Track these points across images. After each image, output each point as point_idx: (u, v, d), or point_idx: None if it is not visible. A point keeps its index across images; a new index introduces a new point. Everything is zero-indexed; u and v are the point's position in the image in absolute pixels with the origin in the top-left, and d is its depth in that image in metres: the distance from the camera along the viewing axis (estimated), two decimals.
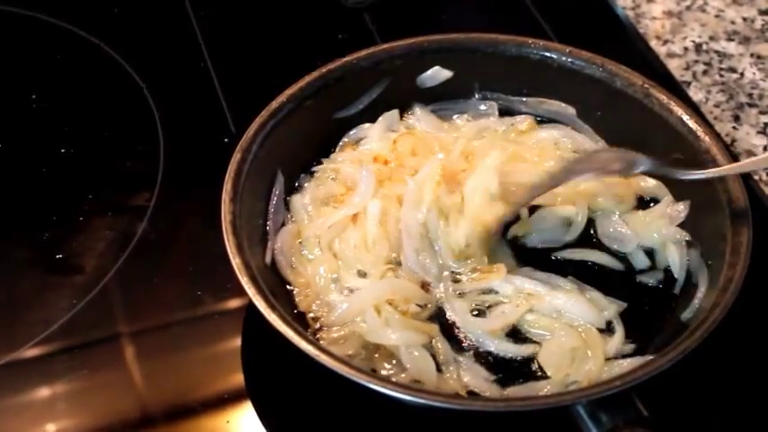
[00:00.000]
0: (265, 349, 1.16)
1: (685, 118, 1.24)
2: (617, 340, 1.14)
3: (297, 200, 1.28)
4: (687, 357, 1.01)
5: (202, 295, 1.24)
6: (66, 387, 1.16)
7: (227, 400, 1.14)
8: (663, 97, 1.28)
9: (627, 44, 1.63)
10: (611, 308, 1.16)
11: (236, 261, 1.08)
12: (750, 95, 1.55)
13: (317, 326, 1.14)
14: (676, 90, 1.50)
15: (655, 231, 1.25)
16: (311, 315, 1.16)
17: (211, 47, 1.59)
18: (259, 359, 1.17)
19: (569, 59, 1.34)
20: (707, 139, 1.22)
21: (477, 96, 1.40)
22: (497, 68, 1.36)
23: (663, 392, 1.06)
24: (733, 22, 1.68)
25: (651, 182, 1.30)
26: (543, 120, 1.39)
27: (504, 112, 1.40)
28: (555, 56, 1.34)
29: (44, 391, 1.16)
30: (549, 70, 1.35)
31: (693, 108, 1.47)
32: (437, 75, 1.37)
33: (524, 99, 1.40)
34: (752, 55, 1.62)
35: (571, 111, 1.38)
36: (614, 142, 1.36)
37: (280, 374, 1.15)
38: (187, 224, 1.33)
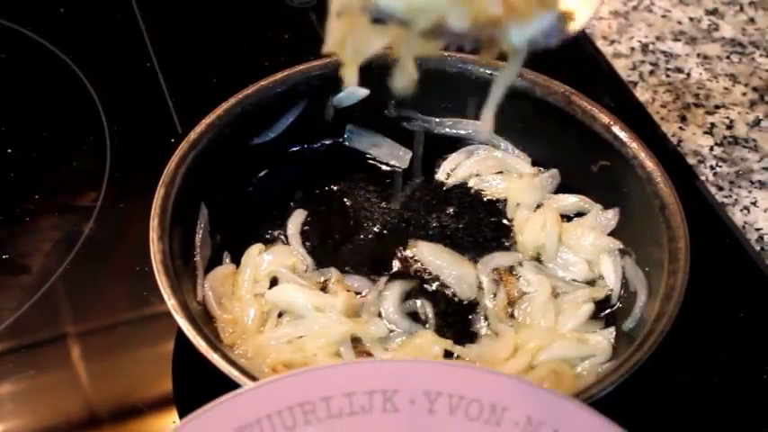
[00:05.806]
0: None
1: (610, 124, 1.22)
2: None
3: (253, 251, 1.23)
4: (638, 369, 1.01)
5: (149, 295, 1.23)
6: (12, 387, 1.15)
7: (174, 400, 1.14)
8: (585, 104, 1.25)
9: (573, 44, 1.63)
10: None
11: (171, 302, 1.04)
12: (696, 96, 1.56)
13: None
14: (623, 90, 1.51)
15: (587, 242, 1.23)
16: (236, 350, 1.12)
17: (158, 47, 1.58)
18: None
19: (487, 71, 1.30)
20: (633, 144, 1.20)
21: (393, 113, 1.37)
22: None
23: (612, 405, 1.06)
24: (680, 23, 1.70)
25: (571, 198, 1.29)
26: (459, 140, 1.37)
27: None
28: (471, 68, 1.31)
29: None
30: (467, 83, 1.31)
31: (639, 109, 1.49)
32: (353, 94, 1.31)
33: (438, 119, 1.37)
34: (698, 55, 1.63)
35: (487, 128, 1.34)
36: (536, 154, 1.34)
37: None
38: (134, 224, 1.31)
